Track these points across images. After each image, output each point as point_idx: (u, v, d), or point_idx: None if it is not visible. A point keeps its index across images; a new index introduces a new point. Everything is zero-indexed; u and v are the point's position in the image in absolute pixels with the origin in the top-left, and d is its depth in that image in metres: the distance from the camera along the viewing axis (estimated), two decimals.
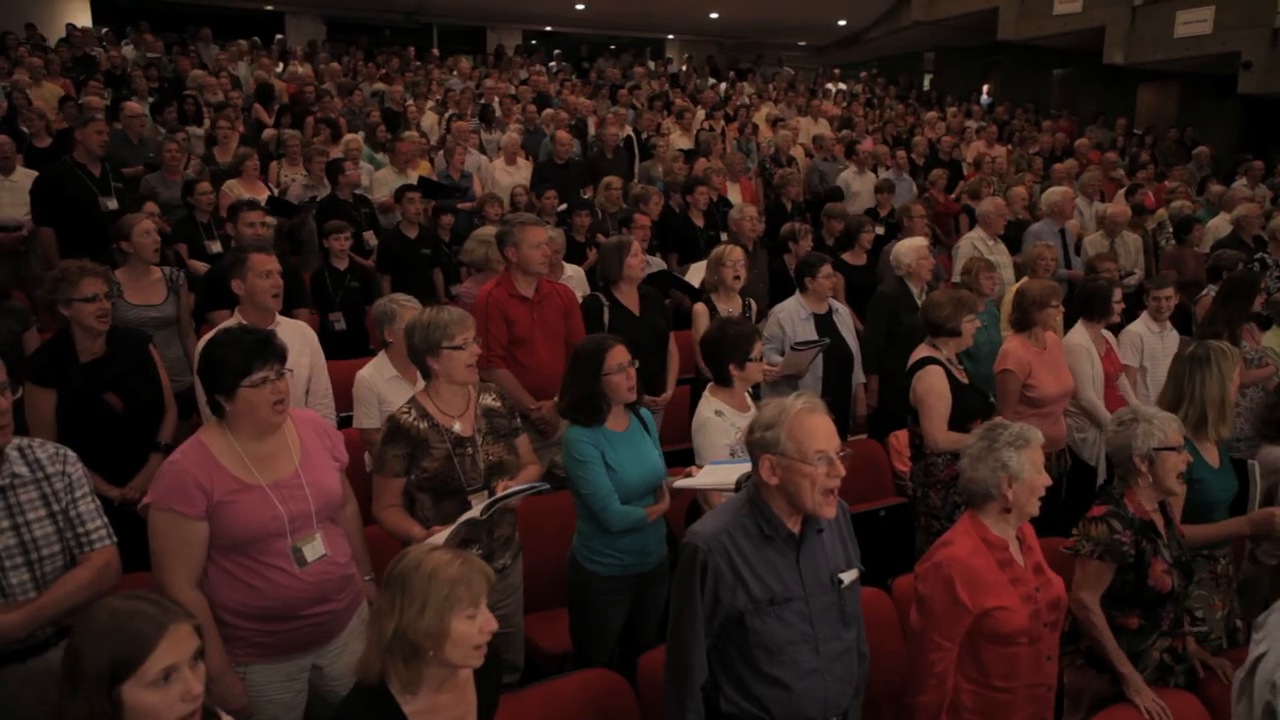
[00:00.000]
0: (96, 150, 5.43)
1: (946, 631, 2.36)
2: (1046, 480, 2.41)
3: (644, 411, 3.10)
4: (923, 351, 3.73)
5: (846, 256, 6.01)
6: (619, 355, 2.90)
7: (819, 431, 2.08)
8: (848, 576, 2.22)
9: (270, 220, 5.95)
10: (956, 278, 5.32)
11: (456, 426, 2.79)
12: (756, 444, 2.13)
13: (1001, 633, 2.34)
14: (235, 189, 6.30)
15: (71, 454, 2.27)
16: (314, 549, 2.37)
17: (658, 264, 6.07)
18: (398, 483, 2.76)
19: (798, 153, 9.86)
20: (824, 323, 4.66)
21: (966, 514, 2.49)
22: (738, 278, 4.57)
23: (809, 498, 2.08)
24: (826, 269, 4.63)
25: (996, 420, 2.53)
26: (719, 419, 3.20)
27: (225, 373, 2.28)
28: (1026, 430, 2.43)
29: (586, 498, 2.87)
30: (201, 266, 5.39)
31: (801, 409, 2.10)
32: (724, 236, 6.56)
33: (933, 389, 3.57)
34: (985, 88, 16.78)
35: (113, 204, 5.37)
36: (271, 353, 2.32)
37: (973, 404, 3.64)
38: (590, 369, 2.88)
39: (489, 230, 5.04)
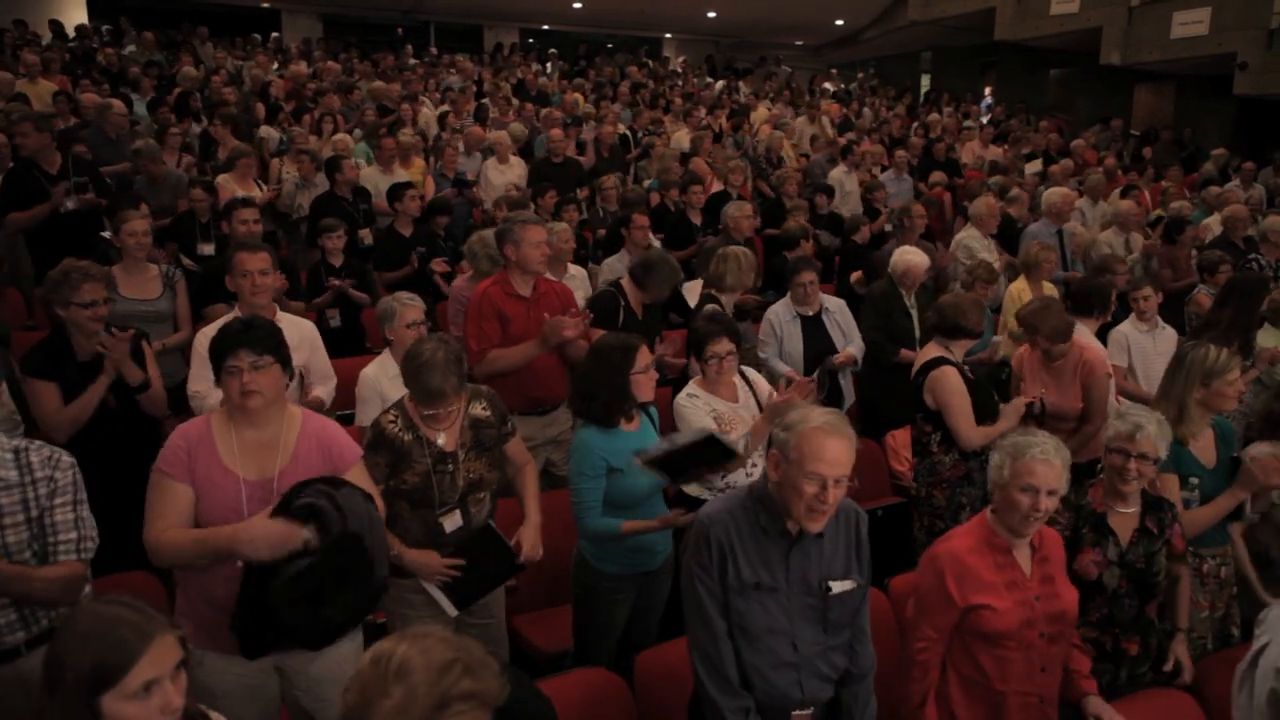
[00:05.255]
0: (29, 150, 5.15)
1: (934, 621, 2.39)
2: (1033, 503, 2.31)
3: (651, 410, 3.11)
4: (933, 351, 3.69)
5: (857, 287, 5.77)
6: (645, 355, 2.93)
7: (826, 454, 2.04)
8: (838, 586, 2.19)
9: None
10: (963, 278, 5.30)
11: (441, 439, 2.75)
12: (774, 439, 2.14)
13: (986, 631, 2.35)
14: (228, 184, 6.26)
15: (65, 460, 2.20)
16: None
17: None
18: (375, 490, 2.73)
19: (788, 152, 9.86)
20: (810, 324, 4.65)
21: (982, 512, 2.51)
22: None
23: (796, 508, 2.08)
24: (803, 275, 4.61)
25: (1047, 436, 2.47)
26: (691, 400, 3.30)
27: (214, 359, 2.35)
28: (1060, 448, 2.37)
29: (574, 503, 2.90)
30: (191, 265, 5.30)
31: (819, 426, 2.06)
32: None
33: (954, 389, 3.55)
34: (988, 90, 16.76)
35: (72, 204, 5.11)
36: (243, 344, 2.31)
37: (985, 404, 3.63)
38: (621, 367, 2.88)
39: None
